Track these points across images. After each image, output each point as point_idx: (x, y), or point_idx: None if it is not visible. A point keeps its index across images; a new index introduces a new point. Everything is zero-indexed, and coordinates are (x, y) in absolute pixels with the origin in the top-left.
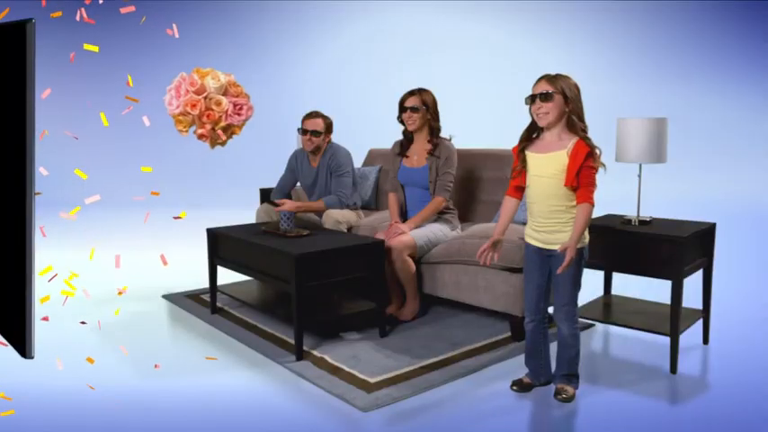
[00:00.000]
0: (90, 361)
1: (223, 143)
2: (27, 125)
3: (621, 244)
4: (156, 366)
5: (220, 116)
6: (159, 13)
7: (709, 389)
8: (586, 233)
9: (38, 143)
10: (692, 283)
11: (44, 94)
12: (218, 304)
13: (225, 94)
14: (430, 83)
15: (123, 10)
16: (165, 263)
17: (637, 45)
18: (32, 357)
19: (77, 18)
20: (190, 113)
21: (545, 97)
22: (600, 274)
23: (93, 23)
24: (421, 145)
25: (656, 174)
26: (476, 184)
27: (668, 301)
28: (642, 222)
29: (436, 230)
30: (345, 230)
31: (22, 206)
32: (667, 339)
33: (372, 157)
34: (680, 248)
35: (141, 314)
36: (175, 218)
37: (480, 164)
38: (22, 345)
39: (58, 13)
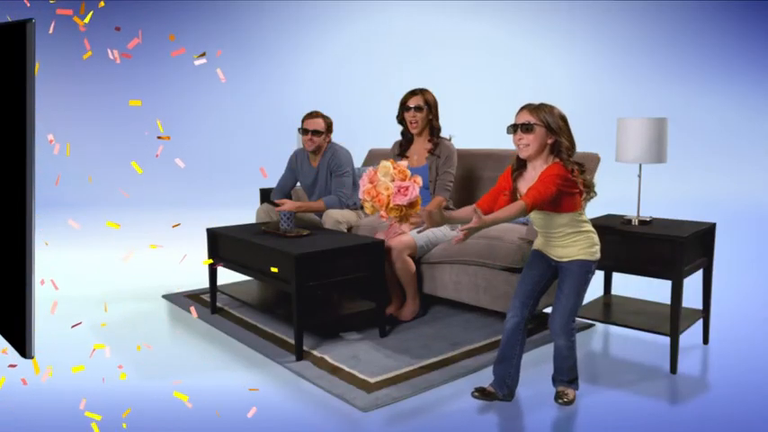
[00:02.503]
0: (101, 347)
1: (407, 219)
2: (27, 125)
3: (621, 244)
4: (119, 366)
5: (388, 198)
6: (159, 13)
7: (710, 389)
8: (597, 249)
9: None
10: (692, 283)
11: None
12: (218, 304)
13: (393, 180)
14: (429, 83)
15: (174, 53)
16: (126, 260)
17: (637, 45)
18: (32, 357)
19: (110, 57)
20: (368, 200)
21: (526, 128)
22: (600, 274)
23: (130, 57)
24: (421, 145)
25: (657, 174)
26: (476, 184)
27: (668, 301)
28: (642, 222)
29: (436, 230)
30: (345, 230)
31: (22, 207)
32: (667, 339)
33: (372, 157)
34: (680, 248)
35: (141, 314)
36: (174, 226)
37: (480, 164)
38: (22, 345)
39: (88, 54)
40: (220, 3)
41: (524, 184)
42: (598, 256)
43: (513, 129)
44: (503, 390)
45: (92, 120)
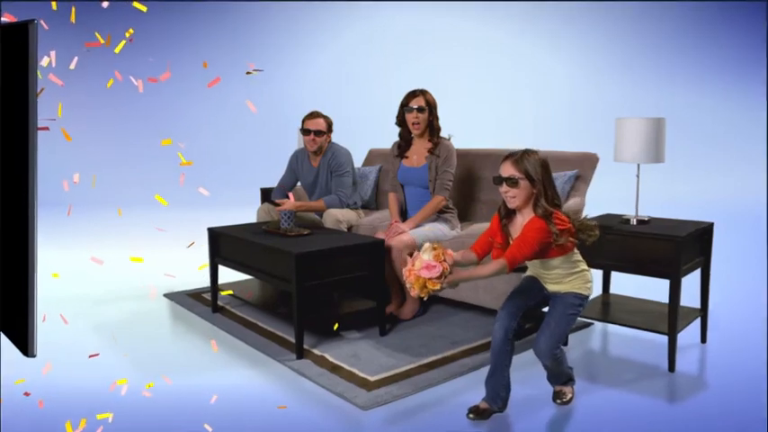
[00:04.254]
0: (123, 382)
1: (427, 290)
2: (30, 125)
3: (620, 243)
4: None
5: (418, 273)
6: (161, 12)
7: (708, 387)
8: (591, 286)
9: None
10: (690, 282)
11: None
12: (220, 303)
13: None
14: (428, 83)
15: (210, 84)
16: (99, 262)
17: (636, 47)
18: (34, 356)
19: (134, 84)
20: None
21: (511, 183)
22: (599, 273)
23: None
24: (421, 145)
25: (655, 173)
26: (475, 184)
27: (666, 300)
28: (640, 222)
29: (436, 230)
30: (345, 230)
31: (24, 208)
32: (665, 338)
33: (372, 157)
34: (678, 248)
35: (143, 313)
36: (189, 245)
37: (479, 163)
38: (25, 344)
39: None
40: (222, 4)
41: (515, 230)
42: (591, 292)
43: (499, 181)
44: (497, 403)
45: (104, 126)
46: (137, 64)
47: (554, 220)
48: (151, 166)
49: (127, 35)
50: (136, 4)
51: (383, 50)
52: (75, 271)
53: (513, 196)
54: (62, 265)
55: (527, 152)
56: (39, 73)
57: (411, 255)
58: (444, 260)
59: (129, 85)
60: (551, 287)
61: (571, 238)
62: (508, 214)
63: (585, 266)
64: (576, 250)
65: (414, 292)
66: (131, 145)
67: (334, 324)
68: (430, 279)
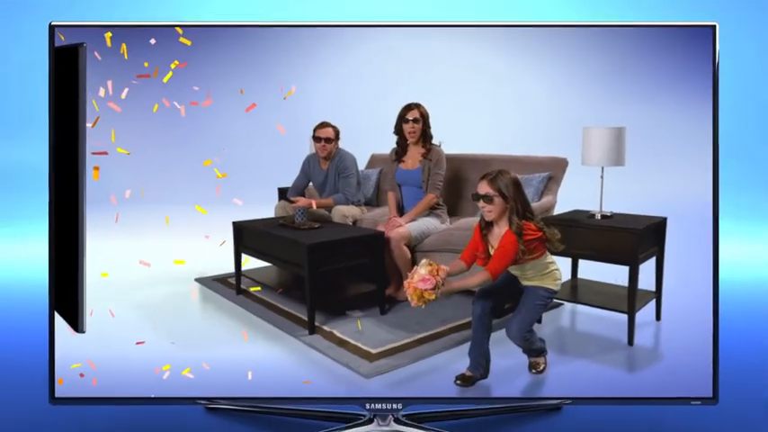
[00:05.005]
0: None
1: (424, 299)
2: (79, 134)
3: (586, 235)
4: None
5: (416, 285)
6: (204, 44)
7: (662, 358)
8: (560, 283)
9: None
10: (647, 269)
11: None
12: (243, 286)
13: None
14: (421, 97)
15: (248, 109)
16: (147, 265)
17: (601, 65)
18: (84, 332)
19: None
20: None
21: (487, 199)
22: (568, 261)
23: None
24: (415, 150)
25: (616, 175)
26: (461, 184)
27: (626, 284)
28: (604, 216)
29: (428, 223)
30: (351, 223)
31: (75, 206)
32: (625, 316)
33: (374, 161)
34: (636, 238)
35: (177, 295)
36: (221, 244)
37: (465, 166)
38: (76, 321)
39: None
40: (258, 34)
41: (494, 239)
42: (559, 288)
43: (477, 198)
44: (479, 371)
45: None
46: (181, 91)
47: (526, 230)
48: (192, 180)
49: (172, 66)
50: (182, 39)
51: (382, 71)
52: (124, 271)
53: (489, 211)
54: (111, 265)
55: (500, 172)
56: (95, 103)
57: (411, 252)
58: (438, 274)
59: (174, 110)
60: (525, 282)
61: (543, 244)
62: (487, 226)
63: (556, 267)
64: (547, 253)
65: (413, 302)
66: (175, 162)
67: (358, 322)
68: (425, 290)
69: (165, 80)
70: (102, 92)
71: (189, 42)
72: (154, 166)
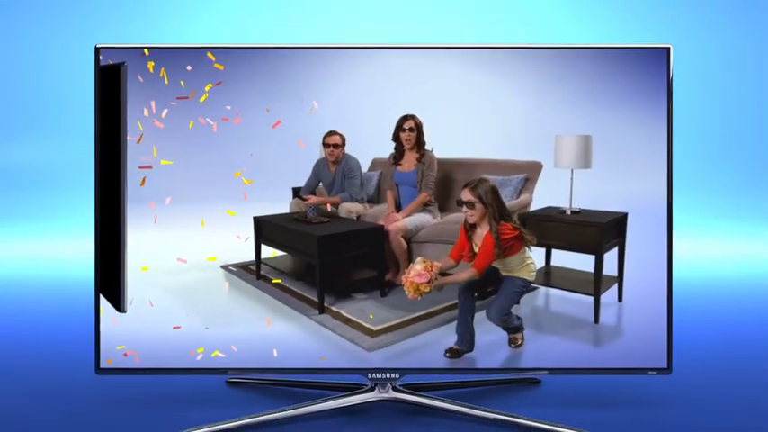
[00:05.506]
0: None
1: (420, 291)
2: (121, 140)
3: (558, 228)
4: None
5: (412, 280)
6: (235, 67)
7: (623, 334)
8: (534, 274)
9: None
10: (610, 257)
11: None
12: (262, 272)
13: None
14: (414, 108)
15: (274, 126)
16: (184, 261)
17: (571, 82)
18: (125, 311)
19: (212, 124)
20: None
21: (469, 205)
22: (542, 251)
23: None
24: (411, 155)
25: (585, 176)
26: (450, 185)
27: (592, 270)
28: (573, 212)
29: (422, 218)
30: (355, 218)
31: (117, 203)
32: (592, 298)
33: (375, 164)
34: (601, 231)
35: (206, 280)
36: (245, 239)
37: (453, 169)
38: (118, 302)
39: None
40: (267, 54)
41: (478, 239)
42: (533, 278)
43: (460, 204)
44: (465, 345)
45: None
46: (215, 109)
47: (504, 230)
48: (223, 187)
49: (207, 89)
50: (216, 66)
51: (382, 85)
52: (162, 265)
53: (471, 215)
54: (151, 261)
55: (481, 181)
56: (140, 124)
57: (407, 243)
58: (431, 270)
59: (207, 126)
60: (505, 273)
61: (520, 241)
62: (471, 227)
63: (532, 261)
64: (525, 249)
65: (410, 295)
66: (208, 172)
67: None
68: (421, 284)
69: (201, 101)
70: (146, 112)
71: (222, 67)
72: (190, 175)
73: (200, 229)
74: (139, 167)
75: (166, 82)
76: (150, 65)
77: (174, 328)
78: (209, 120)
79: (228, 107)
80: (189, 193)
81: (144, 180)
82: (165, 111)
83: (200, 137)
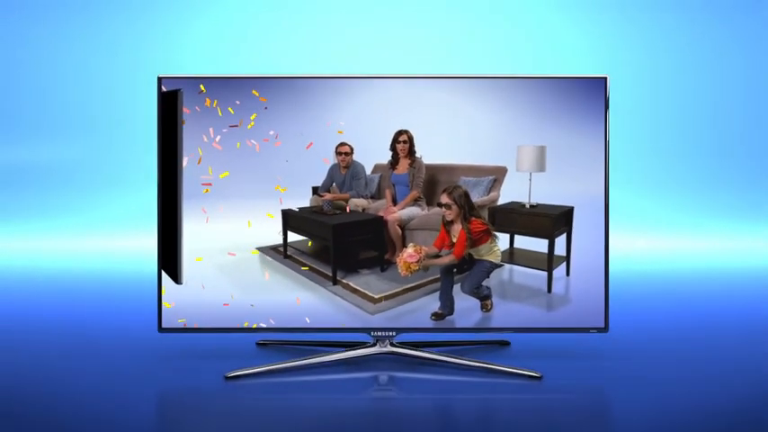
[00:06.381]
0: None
1: (411, 269)
2: (178, 152)
3: (519, 218)
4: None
5: (405, 260)
6: (275, 98)
7: (570, 301)
8: (500, 259)
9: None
10: (560, 241)
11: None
12: (288, 253)
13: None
14: (407, 125)
15: (307, 147)
16: (233, 254)
17: (525, 105)
18: (182, 283)
19: (255, 145)
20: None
21: (446, 207)
22: (507, 236)
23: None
24: (404, 161)
25: (540, 178)
26: (435, 185)
27: (546, 251)
28: (531, 206)
29: (413, 211)
30: (361, 211)
31: (175, 198)
32: (545, 273)
33: (376, 168)
34: (552, 221)
35: (244, 259)
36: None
37: (437, 172)
38: (176, 275)
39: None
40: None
41: (455, 233)
42: (499, 261)
43: (440, 205)
44: (446, 309)
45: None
46: (259, 133)
47: (474, 225)
48: (265, 195)
49: (252, 117)
50: (261, 98)
51: (383, 107)
52: (214, 257)
53: (448, 214)
54: (205, 254)
55: (455, 187)
56: (200, 149)
57: (402, 230)
58: (420, 252)
59: (252, 147)
60: (476, 256)
61: (488, 233)
62: (449, 223)
63: (498, 247)
64: (492, 239)
65: (402, 273)
66: (252, 184)
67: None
68: (411, 263)
69: (249, 127)
70: (204, 138)
71: (265, 99)
72: (238, 186)
73: (246, 229)
74: (202, 184)
75: (220, 114)
76: (208, 101)
77: (225, 305)
78: (253, 140)
79: (272, 132)
80: (238, 201)
81: (207, 189)
82: (218, 137)
83: (246, 156)
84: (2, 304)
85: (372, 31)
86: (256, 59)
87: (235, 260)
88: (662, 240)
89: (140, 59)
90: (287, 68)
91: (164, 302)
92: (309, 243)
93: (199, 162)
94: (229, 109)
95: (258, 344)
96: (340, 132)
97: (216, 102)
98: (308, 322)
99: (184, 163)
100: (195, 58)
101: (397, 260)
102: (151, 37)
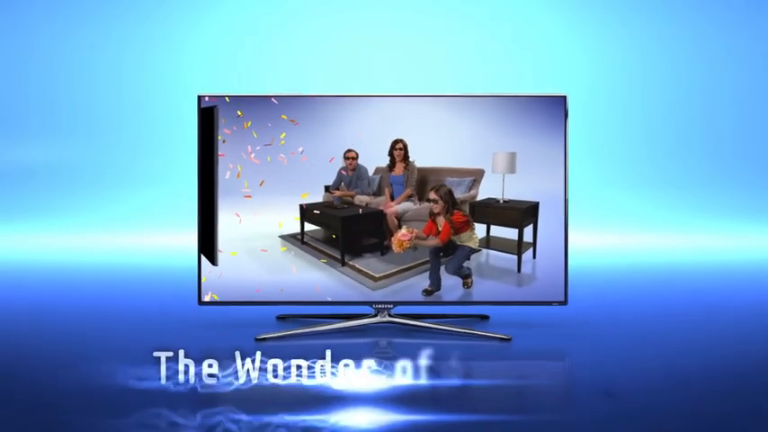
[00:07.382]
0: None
1: (403, 246)
2: (215, 162)
3: (494, 211)
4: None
5: (399, 238)
6: (304, 118)
7: (536, 279)
8: (478, 245)
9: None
10: (528, 230)
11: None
12: (305, 240)
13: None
14: (402, 135)
15: (330, 160)
16: (265, 251)
17: (500, 121)
18: (216, 265)
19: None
20: (393, 241)
21: (434, 201)
22: (484, 227)
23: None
24: (400, 164)
25: (512, 178)
26: (425, 184)
27: (516, 238)
28: (504, 201)
29: (407, 205)
30: (364, 206)
31: (211, 197)
32: (515, 256)
33: (377, 170)
34: (521, 214)
35: (270, 245)
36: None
37: (427, 174)
38: (212, 257)
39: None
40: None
41: (440, 223)
42: (477, 246)
43: (428, 200)
44: (434, 286)
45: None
46: (288, 149)
47: (456, 217)
48: (292, 201)
49: (282, 136)
50: (291, 121)
51: (382, 120)
52: (246, 251)
53: (435, 207)
54: (239, 249)
55: (441, 185)
56: (239, 167)
57: (398, 221)
58: (412, 233)
59: (280, 160)
60: (458, 243)
61: (467, 223)
62: (435, 215)
63: (476, 235)
64: (472, 228)
65: (396, 249)
66: (280, 193)
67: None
68: (404, 240)
69: (280, 144)
70: (243, 155)
71: (294, 121)
72: (269, 194)
73: (277, 229)
74: (244, 196)
75: (255, 135)
76: (246, 124)
77: (256, 291)
78: (282, 154)
79: (301, 149)
80: (269, 206)
81: (249, 196)
82: (253, 154)
83: (275, 168)
84: (63, 292)
85: (368, 53)
86: (273, 78)
87: (266, 255)
88: (631, 235)
89: (148, 71)
90: (294, 87)
91: (202, 278)
92: (333, 234)
93: (238, 176)
94: (254, 134)
95: (278, 317)
96: (359, 135)
97: (250, 123)
98: (318, 292)
99: (227, 176)
100: (230, 79)
101: (392, 239)
102: (188, 52)
